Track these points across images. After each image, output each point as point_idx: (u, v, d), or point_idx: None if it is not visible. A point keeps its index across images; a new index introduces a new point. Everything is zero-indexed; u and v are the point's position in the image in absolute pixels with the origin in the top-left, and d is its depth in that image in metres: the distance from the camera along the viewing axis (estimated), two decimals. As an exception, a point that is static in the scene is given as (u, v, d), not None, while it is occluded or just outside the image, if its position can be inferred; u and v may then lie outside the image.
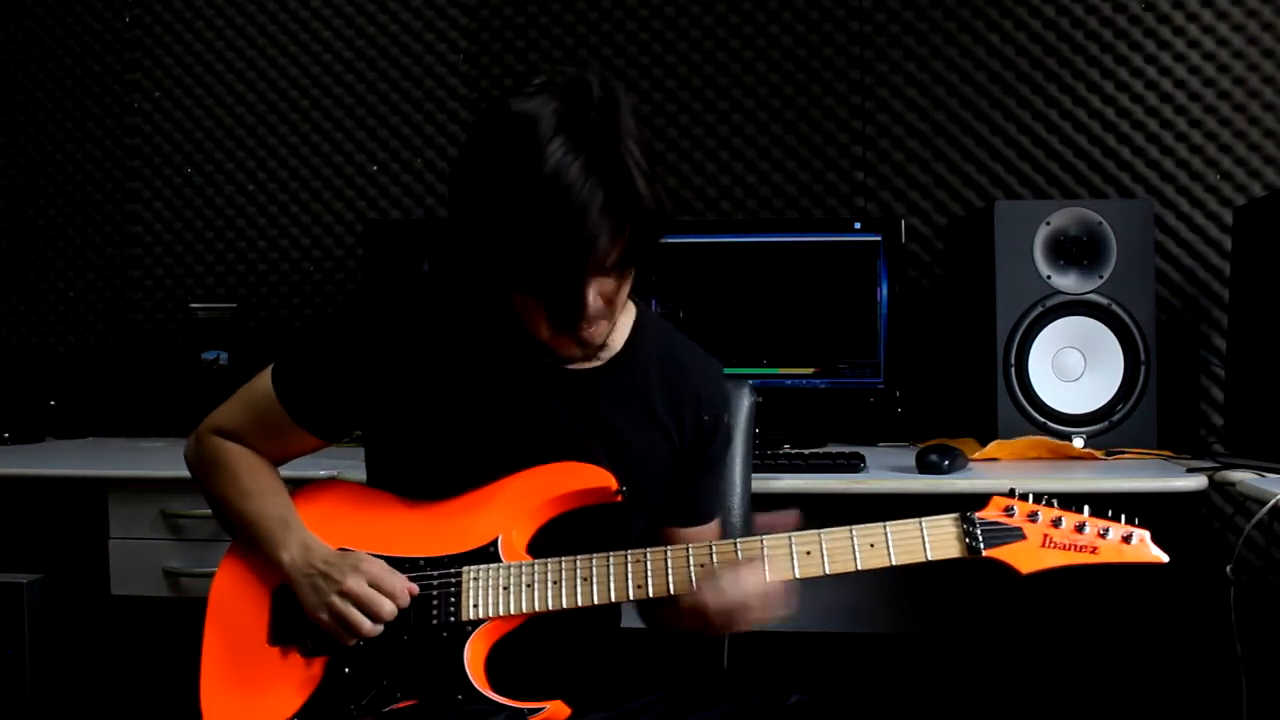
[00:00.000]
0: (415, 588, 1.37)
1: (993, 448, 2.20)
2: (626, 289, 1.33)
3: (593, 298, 1.28)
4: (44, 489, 2.67)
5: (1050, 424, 2.30)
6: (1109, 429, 2.31)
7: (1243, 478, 1.92)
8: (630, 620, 1.57)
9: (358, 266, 2.90)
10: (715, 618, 1.34)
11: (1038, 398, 2.32)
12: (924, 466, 2.04)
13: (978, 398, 2.40)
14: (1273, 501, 1.73)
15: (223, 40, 2.96)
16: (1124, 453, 2.26)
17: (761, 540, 1.35)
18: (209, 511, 2.13)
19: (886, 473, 2.07)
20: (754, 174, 2.77)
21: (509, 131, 1.23)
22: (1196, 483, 1.96)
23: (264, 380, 1.47)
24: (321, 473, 1.95)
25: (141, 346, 3.00)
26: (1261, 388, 2.12)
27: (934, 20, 2.70)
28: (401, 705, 1.35)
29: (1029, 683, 2.55)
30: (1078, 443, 2.27)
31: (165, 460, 2.39)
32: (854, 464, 2.08)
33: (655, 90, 2.79)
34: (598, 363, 1.43)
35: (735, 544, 1.36)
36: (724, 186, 2.78)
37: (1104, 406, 2.32)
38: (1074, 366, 2.33)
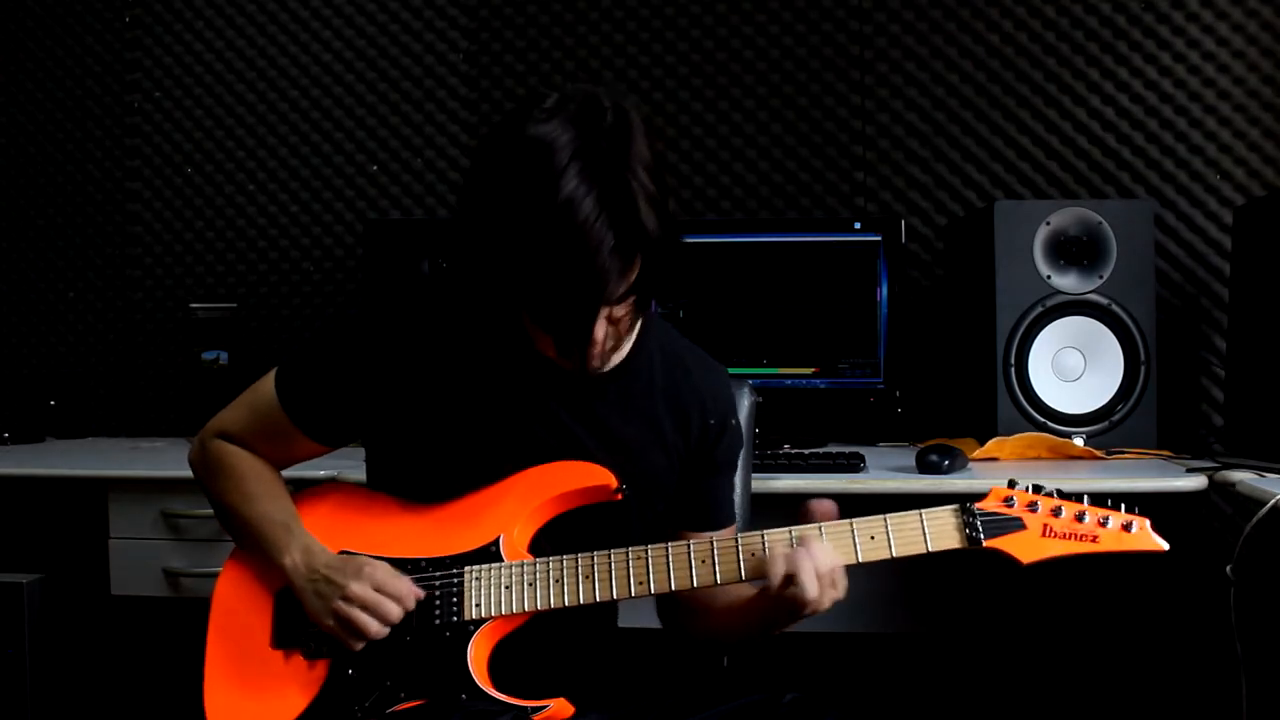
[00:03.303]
0: (421, 592, 1.37)
1: (992, 446, 2.20)
2: (633, 312, 1.32)
3: (599, 330, 1.28)
4: (44, 489, 2.67)
5: (1050, 424, 2.30)
6: (1109, 429, 2.31)
7: (1243, 478, 1.92)
8: (628, 620, 1.57)
9: (358, 266, 2.90)
10: (808, 591, 1.29)
11: (1038, 398, 2.32)
12: (924, 466, 2.04)
13: (978, 398, 2.40)
14: (1273, 501, 1.73)
15: (223, 40, 2.97)
16: (1124, 453, 2.26)
17: (762, 534, 1.35)
18: (209, 512, 2.15)
19: (886, 473, 2.07)
20: (754, 174, 2.77)
21: (522, 158, 1.22)
22: (1196, 483, 1.96)
23: (267, 385, 1.47)
24: (321, 473, 1.95)
25: (141, 346, 3.00)
26: (1261, 388, 2.12)
27: (934, 20, 2.70)
28: (406, 706, 1.35)
29: (1028, 683, 2.55)
30: (1078, 441, 2.27)
31: (165, 460, 2.39)
32: (854, 464, 2.08)
33: (655, 90, 2.79)
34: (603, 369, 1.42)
35: (736, 539, 1.36)
36: (724, 186, 2.78)
37: (1104, 406, 2.32)
38: (1074, 366, 2.33)
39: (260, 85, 2.95)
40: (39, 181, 3.05)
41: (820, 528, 1.35)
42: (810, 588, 1.29)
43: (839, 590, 1.32)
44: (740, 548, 1.35)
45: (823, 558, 1.30)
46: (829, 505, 1.45)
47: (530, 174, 1.21)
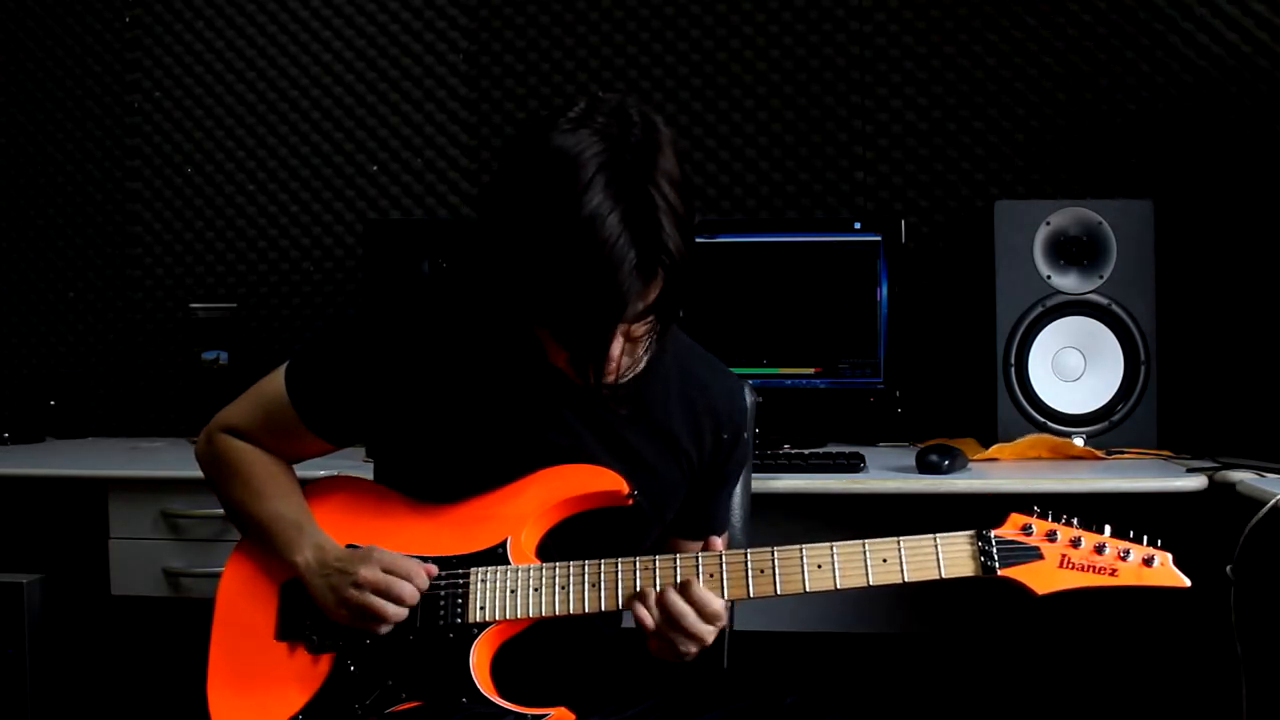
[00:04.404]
0: (433, 568, 1.37)
1: (994, 451, 2.20)
2: (652, 329, 1.30)
3: (615, 348, 1.26)
4: (44, 489, 2.67)
5: (1050, 424, 2.30)
6: (1109, 429, 2.31)
7: (1243, 478, 1.92)
8: (629, 620, 1.57)
9: (358, 266, 2.90)
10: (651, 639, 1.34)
11: (1038, 398, 2.32)
12: (924, 466, 2.04)
13: (978, 398, 2.40)
14: (1273, 501, 1.73)
15: (223, 40, 2.96)
16: (1124, 453, 2.26)
17: (772, 551, 1.33)
18: (209, 511, 2.16)
19: (886, 473, 2.07)
20: (754, 173, 2.77)
21: (546, 169, 1.20)
22: (1196, 483, 1.96)
23: (276, 381, 1.46)
24: (321, 473, 1.95)
25: (141, 346, 3.00)
26: (1261, 388, 2.12)
27: (933, 19, 2.69)
28: (405, 706, 1.35)
29: (1027, 682, 2.55)
30: (1078, 442, 2.27)
31: (165, 460, 2.39)
32: (854, 464, 2.09)
33: (655, 90, 2.79)
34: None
35: (745, 554, 1.34)
36: (724, 186, 2.78)
37: (1104, 406, 2.32)
38: (1074, 366, 2.33)
39: (260, 85, 2.95)
40: (39, 181, 3.05)
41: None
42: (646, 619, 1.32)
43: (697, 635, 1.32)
44: (750, 565, 1.33)
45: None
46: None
47: (554, 187, 1.19)
